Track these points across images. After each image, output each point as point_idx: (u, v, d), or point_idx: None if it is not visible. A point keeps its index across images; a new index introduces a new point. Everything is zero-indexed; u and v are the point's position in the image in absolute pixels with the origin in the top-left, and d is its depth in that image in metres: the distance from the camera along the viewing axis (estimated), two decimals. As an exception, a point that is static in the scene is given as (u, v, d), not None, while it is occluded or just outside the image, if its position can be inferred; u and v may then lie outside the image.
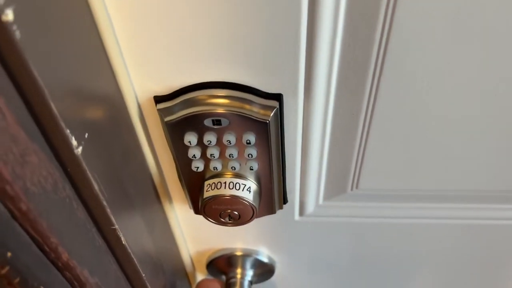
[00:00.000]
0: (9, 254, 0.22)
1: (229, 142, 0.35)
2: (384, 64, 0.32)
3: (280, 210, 0.44)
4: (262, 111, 0.33)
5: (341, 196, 0.44)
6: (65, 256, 0.27)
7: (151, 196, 0.40)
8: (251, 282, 0.56)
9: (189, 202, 0.43)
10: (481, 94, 0.34)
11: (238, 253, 0.54)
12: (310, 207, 0.46)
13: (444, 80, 0.33)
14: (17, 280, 0.23)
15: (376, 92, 0.34)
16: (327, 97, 0.34)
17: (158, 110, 0.34)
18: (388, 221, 0.47)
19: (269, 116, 0.33)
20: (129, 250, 0.34)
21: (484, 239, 0.50)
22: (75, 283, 0.29)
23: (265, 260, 0.54)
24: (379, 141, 0.38)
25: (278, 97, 0.33)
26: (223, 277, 0.57)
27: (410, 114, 0.36)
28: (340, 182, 0.42)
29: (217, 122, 0.34)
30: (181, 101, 0.34)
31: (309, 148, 0.38)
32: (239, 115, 0.33)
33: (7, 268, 0.22)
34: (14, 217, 0.22)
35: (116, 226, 0.31)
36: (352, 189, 0.43)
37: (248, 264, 0.55)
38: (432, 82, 0.33)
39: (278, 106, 0.33)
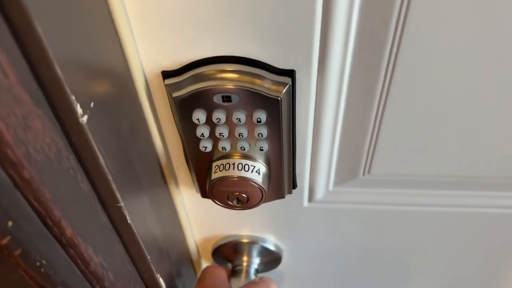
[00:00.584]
0: (10, 223, 0.21)
1: (239, 120, 0.34)
2: (402, 40, 0.31)
3: (289, 195, 0.43)
4: (273, 87, 0.32)
5: (352, 182, 0.43)
6: (69, 231, 0.26)
7: (158, 177, 0.39)
8: (257, 270, 0.55)
9: (196, 184, 0.42)
10: (502, 77, 0.33)
11: (245, 241, 0.53)
12: (319, 193, 0.45)
13: (466, 60, 0.31)
14: (18, 252, 0.22)
15: (393, 69, 0.33)
16: (341, 74, 0.33)
17: (166, 85, 0.33)
18: (400, 208, 0.46)
19: (281, 92, 0.32)
20: (134, 230, 0.33)
21: (500, 229, 0.49)
22: (79, 261, 0.28)
23: (272, 248, 0.53)
24: (394, 123, 0.37)
25: (290, 73, 0.32)
26: (229, 265, 0.56)
27: (427, 95, 0.34)
28: (351, 166, 0.41)
29: (227, 98, 0.33)
30: (189, 76, 0.32)
31: (321, 129, 0.37)
32: (250, 91, 0.32)
33: (8, 238, 0.21)
34: (16, 185, 0.21)
35: (122, 204, 0.30)
36: (364, 174, 0.42)
37: (254, 252, 0.54)
38: (453, 62, 0.32)
39: (290, 83, 0.32)
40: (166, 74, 0.33)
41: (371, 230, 0.50)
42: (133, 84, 0.32)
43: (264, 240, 0.53)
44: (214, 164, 0.38)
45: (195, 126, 0.35)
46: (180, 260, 0.49)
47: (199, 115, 0.33)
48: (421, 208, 0.46)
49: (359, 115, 0.36)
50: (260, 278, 0.49)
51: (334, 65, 0.32)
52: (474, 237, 0.51)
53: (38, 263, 0.24)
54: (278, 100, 0.32)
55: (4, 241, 0.21)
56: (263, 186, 0.38)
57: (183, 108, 0.33)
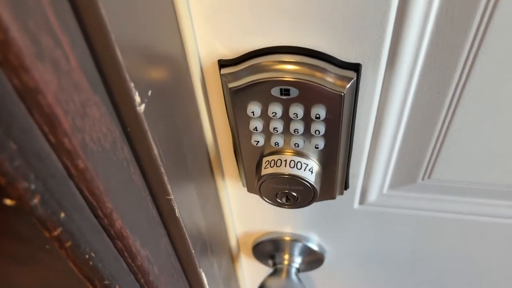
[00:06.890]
0: (62, 214, 0.20)
1: (296, 115, 0.31)
2: (484, 37, 0.28)
3: (340, 196, 0.41)
4: (337, 82, 0.30)
5: (409, 186, 0.40)
6: (118, 223, 0.24)
7: (206, 169, 0.38)
8: (298, 270, 0.53)
9: (243, 179, 0.40)
10: None
11: (287, 238, 0.51)
12: (372, 196, 0.42)
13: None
14: (69, 244, 0.21)
15: (470, 70, 0.30)
16: (412, 71, 0.30)
17: (222, 75, 0.31)
18: (458, 217, 0.43)
19: (345, 88, 0.30)
20: (182, 224, 0.32)
21: None
22: (126, 254, 0.27)
23: (315, 248, 0.51)
24: (463, 127, 0.34)
25: (356, 67, 0.30)
26: (270, 262, 0.54)
27: (504, 99, 0.31)
28: (411, 170, 0.38)
29: (285, 91, 0.31)
30: (247, 67, 0.31)
31: (382, 129, 0.35)
32: (310, 85, 0.30)
33: (59, 229, 0.20)
34: (70, 175, 0.20)
35: (172, 197, 0.29)
36: (423, 178, 0.39)
37: (296, 251, 0.52)
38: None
39: (355, 78, 0.30)
40: (222, 64, 0.31)
41: (422, 238, 0.47)
42: (188, 73, 0.31)
43: (307, 239, 0.51)
44: (264, 159, 0.36)
45: (248, 119, 0.33)
46: (221, 254, 0.48)
47: (254, 108, 0.32)
48: (479, 218, 0.43)
49: (426, 116, 0.33)
50: None
51: (405, 61, 0.29)
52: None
53: (87, 256, 0.23)
54: (340, 95, 0.30)
55: (56, 233, 0.20)
56: (315, 186, 0.36)
57: (238, 100, 0.32)
